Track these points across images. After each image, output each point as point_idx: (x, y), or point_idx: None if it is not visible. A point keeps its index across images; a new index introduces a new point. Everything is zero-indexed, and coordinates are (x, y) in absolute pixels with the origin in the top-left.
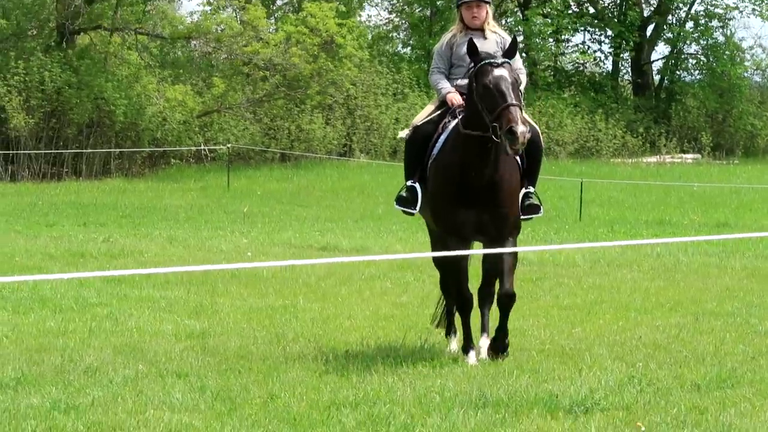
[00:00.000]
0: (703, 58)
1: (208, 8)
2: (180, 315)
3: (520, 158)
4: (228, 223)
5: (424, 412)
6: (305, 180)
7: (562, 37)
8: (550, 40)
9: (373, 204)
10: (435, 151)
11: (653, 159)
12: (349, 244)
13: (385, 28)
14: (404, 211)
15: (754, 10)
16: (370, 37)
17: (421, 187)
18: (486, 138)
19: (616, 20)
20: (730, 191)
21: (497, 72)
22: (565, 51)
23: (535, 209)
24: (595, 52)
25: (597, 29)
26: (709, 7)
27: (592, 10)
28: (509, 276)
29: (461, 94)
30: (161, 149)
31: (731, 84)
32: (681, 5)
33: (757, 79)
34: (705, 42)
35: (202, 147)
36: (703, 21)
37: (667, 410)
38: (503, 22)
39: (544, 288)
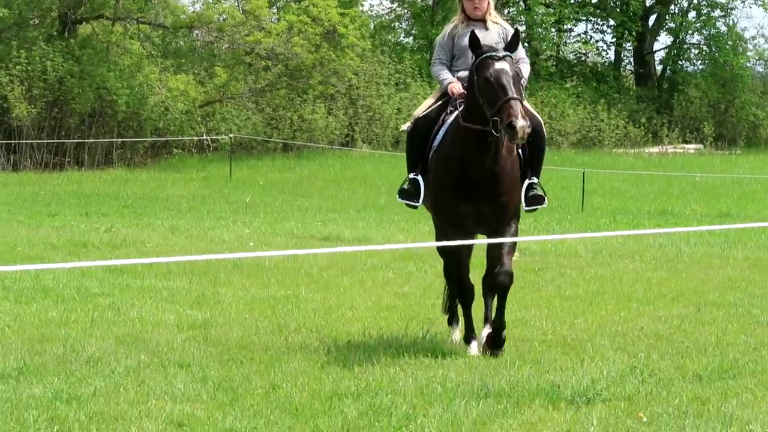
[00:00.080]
0: (705, 48)
1: None
2: (182, 305)
3: (521, 148)
4: (230, 213)
5: (426, 402)
6: (307, 170)
7: (565, 26)
8: (553, 29)
9: (375, 194)
10: (435, 143)
11: (655, 149)
12: (351, 234)
13: (387, 17)
14: (407, 204)
15: (756, 0)
16: (372, 26)
17: (423, 179)
18: (486, 132)
19: (618, 10)
20: (732, 181)
21: (498, 65)
22: (568, 41)
23: (539, 200)
24: (597, 42)
25: (599, 19)
26: None
27: None
28: (508, 257)
29: (463, 85)
30: (163, 139)
31: (733, 74)
32: None
33: (760, 69)
34: (707, 32)
35: (205, 137)
36: (705, 11)
37: (669, 401)
38: (505, 12)
39: (546, 278)
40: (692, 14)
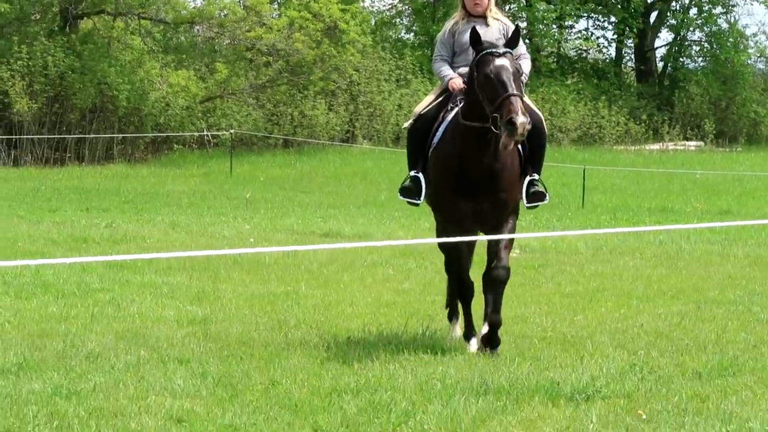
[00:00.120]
0: (706, 44)
1: None
2: (182, 301)
3: (522, 144)
4: (230, 209)
5: (426, 399)
6: (308, 166)
7: (566, 23)
8: (554, 26)
9: (375, 190)
10: (435, 140)
11: (656, 146)
12: (351, 230)
13: (388, 13)
14: (409, 202)
15: None
16: (373, 22)
17: (424, 177)
18: (486, 129)
19: (619, 6)
20: (732, 179)
21: (498, 62)
22: (569, 37)
23: (540, 196)
24: (598, 38)
25: (600, 15)
26: None
27: None
28: (506, 251)
29: (464, 80)
30: (164, 135)
31: (734, 71)
32: None
33: (761, 66)
34: (708, 29)
35: (205, 133)
36: (706, 8)
37: (669, 398)
38: (506, 8)
39: (546, 275)
40: (693, 11)
